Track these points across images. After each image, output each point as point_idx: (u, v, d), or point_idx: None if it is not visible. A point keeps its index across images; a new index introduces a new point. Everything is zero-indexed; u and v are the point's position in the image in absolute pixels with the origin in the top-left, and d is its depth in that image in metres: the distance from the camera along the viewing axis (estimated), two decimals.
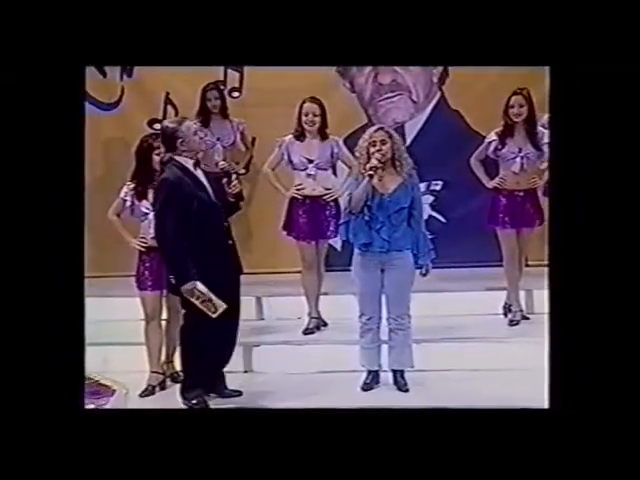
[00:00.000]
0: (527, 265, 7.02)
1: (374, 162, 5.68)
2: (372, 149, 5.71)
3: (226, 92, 7.86)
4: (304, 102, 6.67)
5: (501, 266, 6.88)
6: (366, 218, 5.80)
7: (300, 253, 6.84)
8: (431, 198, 8.04)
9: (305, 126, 6.67)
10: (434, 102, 8.10)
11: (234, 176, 5.74)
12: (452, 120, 7.97)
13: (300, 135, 6.73)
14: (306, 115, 6.65)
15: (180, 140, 5.54)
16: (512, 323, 6.81)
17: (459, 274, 7.43)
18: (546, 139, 6.28)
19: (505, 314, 6.96)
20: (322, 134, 6.73)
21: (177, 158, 5.58)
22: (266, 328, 7.05)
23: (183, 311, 5.71)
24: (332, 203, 6.77)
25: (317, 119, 6.65)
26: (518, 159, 6.64)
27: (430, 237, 6.06)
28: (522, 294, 6.95)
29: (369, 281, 5.90)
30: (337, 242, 7.29)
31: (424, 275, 5.91)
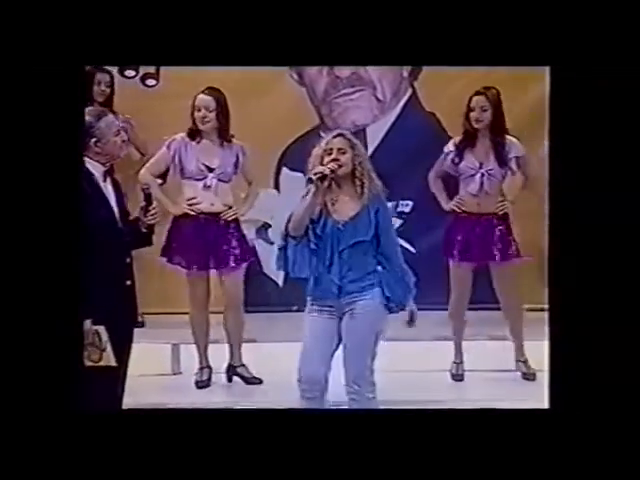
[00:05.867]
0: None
1: (322, 168, 5.03)
2: (327, 158, 5.11)
3: (138, 79, 7.11)
4: (198, 94, 6.12)
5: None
6: (312, 246, 5.13)
7: (189, 286, 6.21)
8: (398, 222, 7.34)
9: (198, 124, 6.08)
10: (404, 101, 7.58)
11: (155, 202, 5.00)
12: (426, 124, 7.47)
13: (194, 134, 6.12)
14: (198, 110, 6.05)
15: (94, 139, 4.74)
16: (455, 378, 6.34)
17: (436, 317, 6.58)
18: (514, 152, 6.13)
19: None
20: (223, 136, 6.14)
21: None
22: (184, 386, 6.38)
23: None
24: (233, 224, 6.21)
25: (211, 115, 6.04)
26: (477, 176, 6.17)
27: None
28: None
29: (318, 334, 5.16)
30: (278, 275, 6.85)
31: (411, 323, 5.22)
